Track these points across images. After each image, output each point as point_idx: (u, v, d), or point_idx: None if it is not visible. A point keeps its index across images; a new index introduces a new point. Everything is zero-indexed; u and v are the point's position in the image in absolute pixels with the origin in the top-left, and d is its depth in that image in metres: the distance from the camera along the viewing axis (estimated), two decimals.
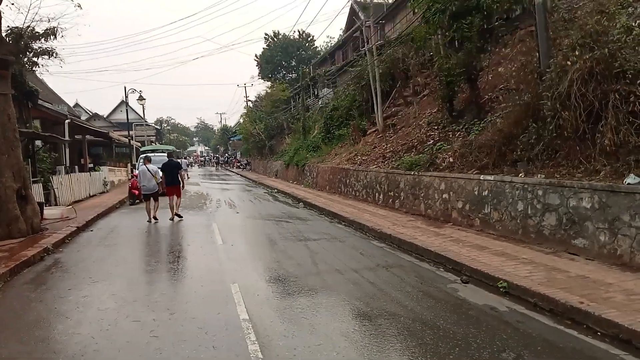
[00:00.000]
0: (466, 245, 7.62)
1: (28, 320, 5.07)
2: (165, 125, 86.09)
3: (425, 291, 5.69)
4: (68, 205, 14.13)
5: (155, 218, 12.47)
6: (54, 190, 15.32)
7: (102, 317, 5.07)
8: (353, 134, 20.48)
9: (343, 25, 49.49)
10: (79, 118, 36.86)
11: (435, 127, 14.73)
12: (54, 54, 14.25)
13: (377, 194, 14.00)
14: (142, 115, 56.58)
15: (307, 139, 27.51)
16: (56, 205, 15.15)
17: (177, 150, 68.00)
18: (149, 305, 5.43)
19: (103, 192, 22.18)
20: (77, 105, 62.99)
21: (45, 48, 14.08)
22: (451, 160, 11.06)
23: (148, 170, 12.87)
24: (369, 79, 21.70)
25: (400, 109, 19.73)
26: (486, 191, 8.83)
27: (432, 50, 19.99)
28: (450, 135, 13.32)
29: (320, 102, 33.41)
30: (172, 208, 12.65)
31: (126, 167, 29.21)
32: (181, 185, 13.08)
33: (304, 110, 28.81)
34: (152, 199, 12.63)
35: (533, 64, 9.75)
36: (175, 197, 12.71)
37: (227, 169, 54.00)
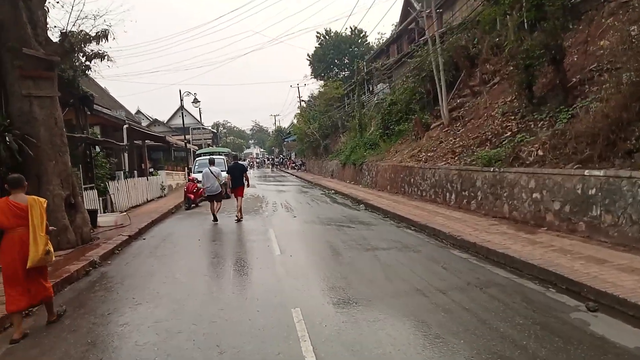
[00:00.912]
0: (577, 257, 6.14)
1: (54, 358, 4.27)
2: (221, 128, 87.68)
3: (544, 324, 4.35)
4: (123, 212, 13.78)
5: (215, 219, 12.76)
6: (110, 197, 15.10)
7: (138, 355, 4.17)
8: (415, 129, 19.01)
9: (394, 20, 47.83)
10: (140, 124, 37.78)
11: (512, 117, 13.05)
12: (106, 57, 13.97)
13: (447, 194, 12.55)
14: (198, 119, 57.64)
15: (364, 136, 26.27)
16: (113, 211, 14.91)
17: (234, 153, 68.92)
18: (195, 339, 4.48)
19: (161, 197, 22.09)
20: (138, 112, 65.30)
21: (98, 51, 13.83)
22: (540, 153, 9.47)
23: (211, 172, 13.27)
24: (430, 69, 20.16)
25: (466, 100, 18.04)
26: (593, 189, 7.25)
27: (501, 34, 18.22)
28: (532, 126, 11.64)
29: (375, 98, 32.06)
30: (238, 209, 12.97)
31: (184, 170, 29.28)
32: (245, 185, 13.45)
33: (360, 107, 27.56)
34: (214, 200, 13.05)
35: None
36: (240, 198, 13.10)
37: (282, 170, 53.75)
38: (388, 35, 45.05)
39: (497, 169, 10.13)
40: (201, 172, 21.00)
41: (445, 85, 17.17)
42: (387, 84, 32.46)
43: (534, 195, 8.75)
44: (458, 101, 18.41)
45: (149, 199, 20.00)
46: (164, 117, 65.20)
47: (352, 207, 14.83)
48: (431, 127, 18.38)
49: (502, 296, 5.22)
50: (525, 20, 13.94)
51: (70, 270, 7.08)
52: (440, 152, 15.01)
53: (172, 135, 40.22)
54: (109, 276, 7.34)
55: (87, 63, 13.88)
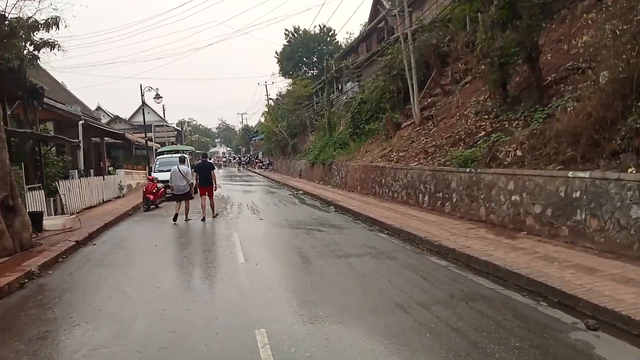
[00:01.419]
0: (566, 266, 5.71)
1: None
2: (186, 126, 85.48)
3: (543, 347, 3.83)
4: (72, 214, 12.66)
5: (175, 219, 12.45)
6: (60, 197, 13.92)
7: None
8: (386, 128, 18.58)
9: (363, 20, 47.57)
10: (99, 121, 35.97)
11: (486, 117, 12.74)
12: (57, 47, 12.83)
13: (420, 196, 12.11)
14: (162, 117, 55.78)
15: (333, 135, 25.74)
16: (63, 213, 13.75)
17: (199, 151, 67.18)
18: None
19: (119, 197, 20.86)
20: (99, 108, 62.73)
21: (47, 39, 12.68)
22: (519, 153, 9.10)
23: (179, 171, 12.93)
24: (401, 67, 19.79)
25: (438, 99, 17.74)
26: (578, 192, 6.88)
27: (473, 32, 18.03)
28: (507, 125, 11.32)
29: (345, 97, 31.61)
30: (203, 208, 12.89)
31: (145, 169, 27.94)
32: (214, 186, 13.27)
33: (329, 105, 27.01)
34: (183, 199, 12.78)
35: (632, 27, 7.72)
36: (207, 197, 13.00)
37: (249, 170, 52.66)
38: (357, 34, 44.81)
39: (473, 170, 9.73)
40: (162, 171, 19.97)
41: (417, 83, 16.79)
42: (357, 83, 32.07)
43: (513, 197, 8.36)
44: (429, 100, 18.10)
45: (105, 200, 18.78)
46: (126, 114, 62.79)
47: (321, 209, 14.21)
48: (402, 126, 17.99)
49: (491, 312, 4.70)
50: (495, 19, 13.73)
51: (1, 283, 6.14)
52: (412, 152, 14.60)
53: (134, 133, 38.55)
54: (47, 289, 6.43)
55: (35, 52, 12.74)
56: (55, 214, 13.57)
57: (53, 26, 12.69)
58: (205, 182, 13.04)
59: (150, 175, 18.68)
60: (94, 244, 9.85)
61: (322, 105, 35.81)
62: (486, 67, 12.76)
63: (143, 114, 27.68)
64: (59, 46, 12.84)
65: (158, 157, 20.98)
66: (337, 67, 29.89)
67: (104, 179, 19.11)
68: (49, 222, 11.13)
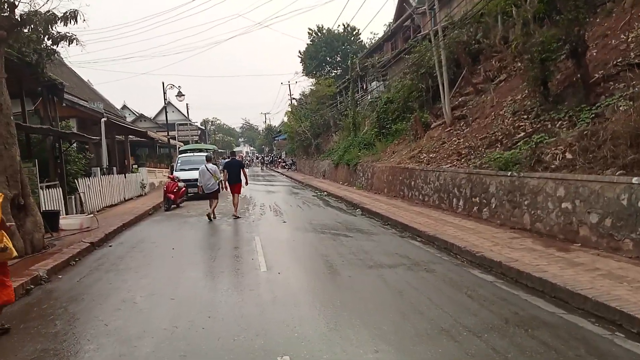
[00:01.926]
0: (639, 287, 4.90)
1: None
2: (210, 125, 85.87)
3: None
4: (90, 214, 12.29)
5: (214, 216, 12.71)
6: (79, 196, 13.61)
7: None
8: (414, 128, 17.78)
9: (387, 20, 46.62)
10: (124, 119, 36.06)
11: (525, 117, 11.87)
12: (75, 41, 12.50)
13: (454, 200, 11.31)
14: (186, 116, 56.00)
15: (358, 135, 25.01)
16: (82, 212, 13.44)
17: (221, 150, 67.25)
18: None
19: (140, 195, 20.62)
20: (124, 107, 63.43)
21: (65, 33, 12.36)
22: (568, 156, 8.24)
23: (207, 169, 13.01)
24: (430, 65, 18.98)
25: (469, 99, 16.86)
26: None
27: (507, 29, 17.12)
28: (549, 126, 10.44)
29: (369, 96, 30.85)
30: (235, 205, 13.06)
31: (168, 168, 27.77)
32: (244, 182, 13.46)
33: (354, 105, 26.28)
34: (211, 198, 12.88)
35: None
36: (237, 195, 13.14)
37: (272, 169, 52.32)
38: (380, 35, 43.89)
39: (515, 174, 8.89)
40: (184, 170, 19.60)
41: (447, 82, 15.95)
42: (382, 82, 31.27)
43: (564, 205, 7.51)
44: (460, 99, 17.23)
45: (126, 198, 18.52)
46: (151, 113, 63.31)
47: (347, 212, 13.52)
48: (431, 126, 17.17)
49: (557, 344, 3.94)
50: (534, 14, 12.86)
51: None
52: (443, 153, 13.79)
53: (158, 132, 38.58)
54: (52, 297, 5.94)
55: (54, 47, 12.43)
56: (76, 213, 13.28)
57: (71, 20, 12.38)
58: (234, 179, 13.12)
59: (171, 174, 18.31)
60: (110, 246, 9.40)
61: (346, 105, 35.10)
62: (525, 64, 11.92)
63: (165, 112, 27.51)
64: (77, 40, 12.51)
65: (180, 156, 20.66)
66: (362, 66, 29.07)
67: (125, 177, 18.86)
68: (65, 222, 10.77)
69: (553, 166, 8.35)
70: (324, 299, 5.45)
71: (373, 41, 45.05)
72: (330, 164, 26.90)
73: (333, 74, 51.40)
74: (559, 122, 10.22)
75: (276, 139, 66.60)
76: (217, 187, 13.08)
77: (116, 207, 15.98)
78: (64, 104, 18.61)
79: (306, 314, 4.96)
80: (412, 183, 14.03)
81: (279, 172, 44.36)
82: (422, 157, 14.80)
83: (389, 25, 44.58)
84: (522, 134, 11.12)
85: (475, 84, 16.98)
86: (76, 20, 12.62)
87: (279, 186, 26.17)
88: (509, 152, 10.18)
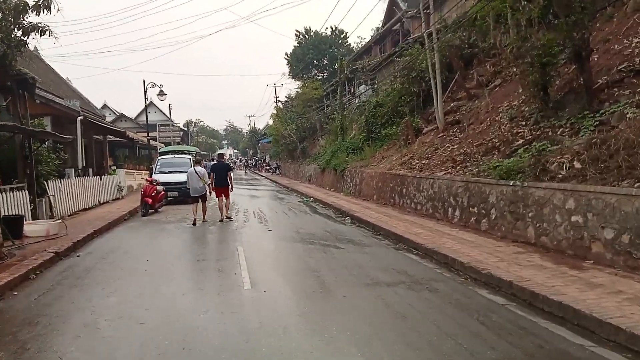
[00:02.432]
0: None
1: None
2: (193, 127, 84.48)
3: None
4: (58, 219, 11.35)
5: (204, 220, 12.60)
6: (49, 199, 12.66)
7: None
8: (405, 133, 17.24)
9: (374, 25, 46.23)
10: (103, 118, 34.83)
11: (523, 123, 11.40)
12: (48, 32, 11.64)
13: (450, 210, 10.74)
14: (168, 116, 54.78)
15: (346, 140, 24.42)
16: (52, 217, 12.49)
17: (205, 153, 66.06)
18: None
19: (117, 199, 19.63)
20: (105, 106, 61.87)
21: (37, 24, 11.49)
22: (577, 165, 7.72)
23: (195, 172, 12.82)
24: (421, 69, 18.52)
25: (462, 104, 16.41)
26: None
27: (501, 33, 16.76)
28: (550, 133, 9.97)
29: (357, 100, 30.36)
30: (221, 209, 12.90)
31: (148, 170, 26.76)
32: (230, 187, 13.18)
33: (342, 108, 25.70)
34: (200, 200, 12.72)
35: None
36: (224, 198, 12.94)
37: (255, 173, 51.42)
38: (368, 39, 43.48)
39: (518, 183, 8.35)
40: (164, 172, 18.71)
41: (441, 86, 15.45)
42: (370, 86, 30.83)
43: (574, 218, 6.97)
44: (452, 104, 16.76)
45: (101, 202, 17.55)
46: (132, 113, 61.86)
47: (336, 220, 12.86)
48: (423, 131, 16.66)
49: None
50: (532, 17, 12.48)
51: None
52: (436, 160, 13.24)
53: (139, 133, 37.41)
54: (2, 320, 5.12)
55: (24, 38, 11.54)
56: (45, 218, 12.34)
57: (44, 9, 11.52)
58: (221, 182, 12.92)
59: (150, 176, 17.40)
60: (78, 256, 8.55)
61: (333, 108, 34.56)
62: (523, 68, 11.45)
63: (146, 112, 26.54)
64: (50, 32, 11.65)
65: (160, 158, 19.73)
66: (351, 68, 28.53)
67: (101, 179, 17.88)
68: (30, 228, 9.86)
69: (560, 176, 7.82)
70: (317, 325, 4.76)
71: (360, 45, 44.64)
72: (317, 168, 26.24)
73: (320, 77, 50.88)
74: (560, 130, 9.76)
75: (260, 141, 65.74)
76: (206, 190, 12.83)
77: (90, 212, 15.05)
78: (38, 101, 17.62)
79: (297, 344, 4.26)
80: (404, 190, 13.44)
81: (263, 176, 43.53)
82: (414, 163, 14.24)
83: (377, 29, 44.27)
84: (521, 141, 10.63)
85: (468, 88, 16.53)
86: (49, 10, 11.78)
87: (263, 190, 25.40)
88: (509, 160, 9.66)
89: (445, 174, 11.65)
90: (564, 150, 8.51)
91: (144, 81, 25.15)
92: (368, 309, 5.22)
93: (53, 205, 12.88)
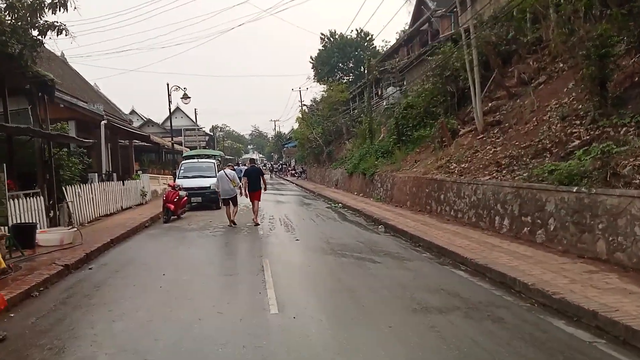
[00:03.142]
0: None
1: None
2: (219, 132, 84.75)
3: None
4: (72, 227, 10.72)
5: (234, 223, 12.67)
6: (67, 205, 12.13)
7: None
8: (440, 135, 16.17)
9: (399, 28, 45.04)
10: (130, 123, 34.75)
11: (578, 122, 10.25)
12: (65, 31, 11.12)
13: (498, 218, 9.65)
14: (194, 121, 54.83)
15: (374, 143, 23.43)
16: (70, 224, 11.94)
17: (230, 157, 65.95)
18: None
19: (140, 204, 19.16)
20: (133, 111, 62.48)
21: (53, 22, 10.98)
22: None
23: (226, 175, 13.10)
24: (455, 68, 17.46)
25: (502, 103, 15.25)
26: None
27: (542, 27, 15.56)
28: (612, 132, 8.82)
29: (385, 102, 29.33)
30: (255, 213, 12.98)
31: (172, 174, 26.34)
32: (263, 188, 13.44)
33: (370, 110, 24.74)
34: (230, 203, 12.92)
35: None
36: (256, 202, 13.06)
37: (281, 177, 50.80)
38: (392, 42, 42.38)
39: (584, 190, 7.23)
40: (187, 177, 18.12)
41: (479, 84, 14.34)
42: (398, 88, 29.78)
43: None
44: (490, 104, 15.61)
45: (124, 207, 17.05)
46: (160, 118, 62.31)
47: (368, 229, 11.90)
48: (459, 133, 15.54)
49: None
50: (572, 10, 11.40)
51: None
52: (477, 163, 12.15)
53: (165, 138, 37.22)
54: None
55: (40, 37, 11.05)
56: (62, 225, 11.80)
57: (60, 7, 11.02)
58: (254, 187, 13.08)
59: (174, 181, 16.81)
60: (90, 268, 7.86)
61: (360, 111, 33.62)
62: (579, 61, 10.31)
63: (170, 114, 26.10)
64: (67, 31, 11.13)
65: (183, 162, 19.15)
66: (380, 69, 27.53)
67: (123, 184, 17.39)
68: (43, 237, 9.25)
69: (638, 181, 6.70)
70: None
71: (386, 48, 43.56)
72: (344, 172, 25.31)
73: (345, 80, 49.99)
74: (624, 129, 8.60)
75: (285, 146, 65.23)
76: (236, 192, 13.12)
77: (111, 218, 14.50)
78: (62, 105, 17.32)
79: None
80: (442, 196, 12.38)
81: (288, 180, 42.87)
82: (451, 167, 13.16)
83: (404, 32, 43.12)
84: (577, 142, 9.51)
85: (508, 87, 15.35)
86: (66, 8, 11.28)
87: (289, 196, 24.61)
88: (566, 162, 8.54)
89: (490, 178, 10.57)
90: (636, 151, 7.38)
91: (167, 84, 24.77)
92: (421, 345, 4.26)
93: (72, 211, 12.34)
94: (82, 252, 8.40)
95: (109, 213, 15.29)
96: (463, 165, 12.69)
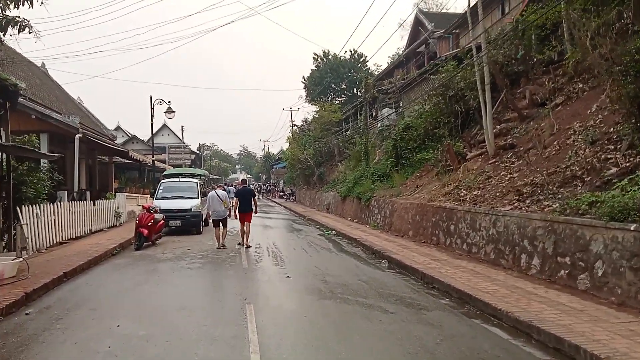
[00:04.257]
0: None
1: None
2: (206, 150, 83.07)
3: None
4: (17, 258, 8.93)
5: (223, 246, 12.40)
6: (21, 228, 10.42)
7: None
8: (444, 159, 14.87)
9: (392, 52, 44.34)
10: (113, 139, 33.04)
11: (611, 147, 9.01)
12: (28, 28, 9.68)
13: (524, 257, 8.22)
14: (181, 139, 53.25)
15: (370, 165, 22.11)
16: (23, 250, 10.22)
17: (216, 177, 64.13)
18: None
19: (114, 226, 17.44)
20: (118, 128, 60.69)
21: (15, 17, 9.55)
22: None
23: (217, 195, 12.81)
24: (459, 88, 16.36)
25: (513, 125, 14.08)
26: None
27: (555, 46, 14.57)
28: None
29: (380, 124, 28.19)
30: (243, 234, 12.78)
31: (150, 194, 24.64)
32: (253, 210, 13.06)
33: (367, 129, 23.49)
34: (221, 224, 12.61)
35: None
36: (247, 224, 12.74)
37: (268, 199, 49.15)
38: (384, 67, 41.47)
39: None
40: (166, 197, 16.48)
41: (490, 104, 13.13)
42: (394, 110, 28.73)
43: None
44: (499, 127, 14.44)
45: (94, 230, 15.34)
46: (145, 135, 60.54)
47: (369, 262, 10.39)
48: (467, 157, 14.25)
49: None
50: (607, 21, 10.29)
51: None
52: (493, 190, 10.81)
53: (147, 155, 35.49)
54: None
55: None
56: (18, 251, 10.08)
57: (25, 2, 9.61)
58: (244, 208, 12.75)
59: (147, 203, 15.18)
60: (27, 313, 6.22)
61: (353, 132, 32.41)
62: (615, 77, 9.08)
63: (151, 127, 24.41)
64: (30, 27, 9.68)
65: (162, 182, 17.50)
66: (378, 88, 26.43)
67: (94, 204, 15.69)
68: None
69: None
70: None
71: (378, 72, 42.61)
72: (337, 196, 23.86)
73: (337, 101, 49.03)
74: None
75: (274, 166, 63.80)
76: (227, 213, 12.87)
77: (76, 243, 12.79)
78: (33, 116, 15.82)
79: None
80: (452, 227, 10.96)
81: (276, 202, 41.25)
82: (462, 194, 11.80)
83: (398, 54, 42.40)
84: (615, 169, 8.23)
85: (520, 109, 14.19)
86: (31, 4, 9.92)
87: (277, 220, 23.02)
88: (608, 193, 7.20)
89: (512, 209, 9.19)
90: None
91: (151, 97, 23.27)
92: None
93: (26, 235, 10.64)
94: (22, 291, 6.75)
95: (75, 237, 13.58)
96: (475, 193, 11.34)
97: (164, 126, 64.89)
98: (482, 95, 13.12)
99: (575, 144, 10.14)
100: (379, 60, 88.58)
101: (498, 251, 9.05)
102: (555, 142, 10.91)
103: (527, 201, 9.24)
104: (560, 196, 8.61)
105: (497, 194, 10.42)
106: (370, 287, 7.74)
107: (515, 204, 9.40)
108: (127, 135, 58.92)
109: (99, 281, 8.40)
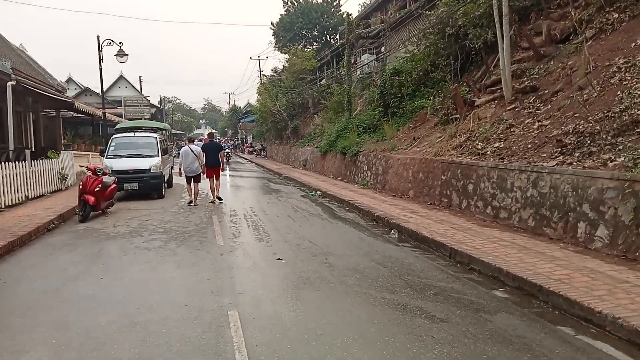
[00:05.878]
0: None
1: None
2: (168, 104, 78.23)
3: None
4: None
5: (195, 204, 12.06)
6: None
7: None
8: (448, 106, 12.82)
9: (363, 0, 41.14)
10: (63, 92, 29.33)
11: None
12: None
13: (583, 225, 6.39)
14: (139, 91, 49.23)
15: (355, 116, 19.92)
16: None
17: (179, 132, 60.57)
18: None
19: (59, 190, 14.83)
20: (70, 80, 55.84)
21: None
22: None
23: (191, 150, 12.34)
24: (460, 25, 14.14)
25: (528, 66, 12.07)
26: None
27: None
28: None
29: (359, 72, 25.79)
30: (212, 190, 12.62)
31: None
32: (221, 167, 12.95)
33: (350, 76, 21.09)
34: (193, 181, 12.34)
35: None
36: (215, 179, 12.58)
37: (236, 155, 46.46)
38: (356, 15, 38.41)
39: None
40: (119, 156, 13.85)
41: (508, 40, 11.01)
42: (374, 56, 26.34)
43: None
44: (511, 68, 12.36)
45: (33, 196, 12.75)
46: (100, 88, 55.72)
47: (373, 233, 8.43)
48: (476, 104, 12.24)
49: None
50: None
51: None
52: (520, 142, 8.91)
53: (104, 109, 31.87)
54: None
55: None
56: None
57: None
58: (213, 163, 12.51)
59: (90, 165, 12.61)
60: None
61: (330, 81, 29.83)
62: None
63: (100, 72, 21.00)
64: None
65: (114, 137, 14.76)
66: (358, 31, 23.82)
67: (31, 166, 12.99)
68: None
69: None
70: None
71: (351, 18, 39.40)
72: (315, 151, 21.68)
73: (309, 49, 45.81)
74: None
75: (242, 121, 60.54)
76: (200, 170, 12.37)
77: (3, 214, 10.27)
78: None
79: None
80: (471, 187, 9.07)
81: (245, 159, 38.74)
82: (478, 146, 9.86)
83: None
84: None
85: (538, 46, 12.14)
86: None
87: (250, 179, 20.75)
88: None
89: (557, 164, 7.30)
90: None
91: (98, 37, 19.90)
92: None
93: None
94: None
95: (5, 205, 11.04)
96: (497, 145, 9.41)
97: (121, 77, 59.99)
98: (499, 29, 10.96)
99: (624, 83, 8.24)
100: (350, 9, 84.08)
101: (540, 217, 7.22)
102: (594, 82, 8.97)
103: (577, 154, 7.35)
104: (621, 147, 6.77)
105: (529, 146, 8.52)
106: (391, 273, 5.78)
107: (560, 158, 7.51)
108: (80, 87, 54.17)
109: (15, 274, 6.07)
